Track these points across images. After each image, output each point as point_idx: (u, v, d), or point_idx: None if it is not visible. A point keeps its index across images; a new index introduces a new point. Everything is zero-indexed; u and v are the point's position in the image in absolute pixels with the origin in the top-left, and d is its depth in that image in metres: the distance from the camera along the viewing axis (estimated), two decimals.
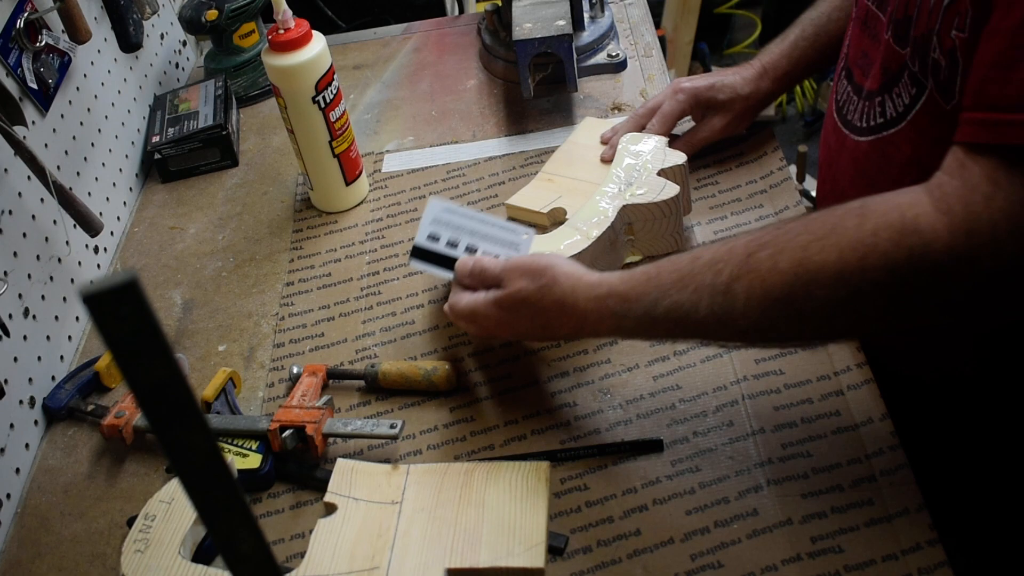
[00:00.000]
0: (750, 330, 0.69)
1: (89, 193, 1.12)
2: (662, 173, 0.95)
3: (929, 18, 0.73)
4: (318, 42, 1.04)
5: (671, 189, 0.93)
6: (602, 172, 1.04)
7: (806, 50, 1.02)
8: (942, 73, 0.72)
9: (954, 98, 0.72)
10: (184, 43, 1.50)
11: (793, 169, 2.32)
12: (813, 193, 2.48)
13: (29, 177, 0.98)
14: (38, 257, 0.99)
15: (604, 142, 1.07)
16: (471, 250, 0.87)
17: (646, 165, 0.96)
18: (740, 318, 0.68)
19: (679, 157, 0.97)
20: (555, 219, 1.00)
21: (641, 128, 1.05)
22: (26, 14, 1.00)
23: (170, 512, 0.79)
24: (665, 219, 0.94)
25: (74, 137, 1.10)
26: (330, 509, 0.79)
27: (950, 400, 0.90)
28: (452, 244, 0.88)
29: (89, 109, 1.15)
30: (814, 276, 0.65)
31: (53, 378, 0.98)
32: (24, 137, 0.94)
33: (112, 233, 1.17)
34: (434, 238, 0.88)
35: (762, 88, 1.03)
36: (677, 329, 0.73)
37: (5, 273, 0.92)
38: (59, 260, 1.03)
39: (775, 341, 0.77)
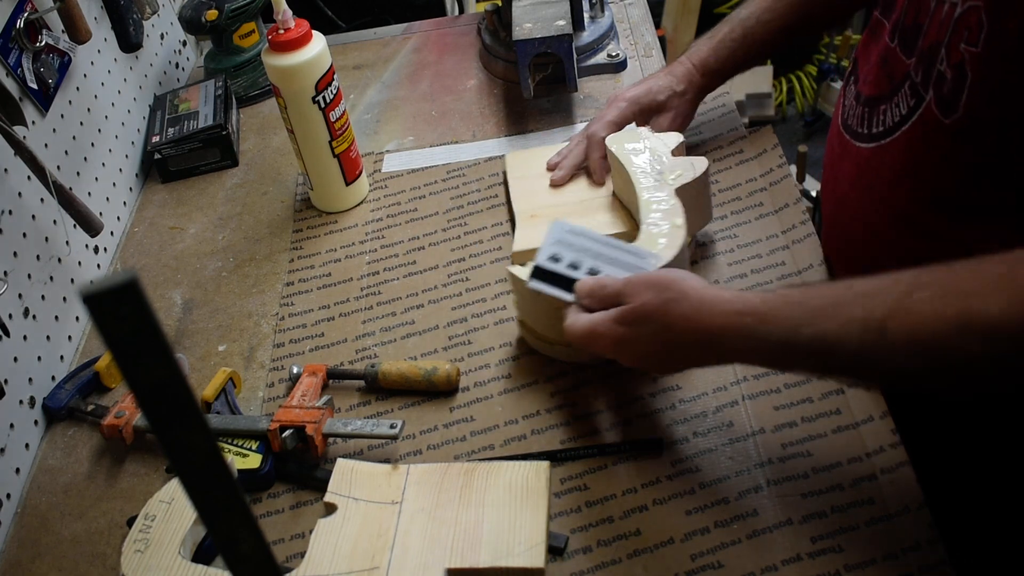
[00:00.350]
0: (898, 374, 0.64)
1: (89, 193, 1.12)
2: (675, 152, 0.96)
3: (939, 30, 0.72)
4: (318, 42, 1.04)
5: (700, 161, 0.94)
6: (576, 189, 1.05)
7: (734, 50, 1.03)
8: (946, 86, 0.71)
9: (956, 112, 0.71)
10: (184, 43, 1.50)
11: (793, 169, 2.33)
12: (813, 193, 2.50)
13: (29, 177, 0.98)
14: (38, 257, 0.99)
15: (551, 167, 1.07)
16: (593, 272, 0.83)
17: (656, 152, 0.97)
18: (890, 360, 0.62)
19: (676, 137, 0.99)
20: None
21: (593, 145, 1.05)
22: (26, 14, 1.00)
23: (170, 512, 0.79)
24: (705, 191, 0.95)
25: (74, 137, 1.10)
26: (330, 509, 0.79)
27: (950, 398, 0.90)
28: (574, 266, 0.84)
29: (89, 109, 1.15)
30: (978, 328, 0.58)
31: (53, 378, 0.98)
32: (24, 137, 0.94)
33: (112, 233, 1.17)
34: (555, 259, 0.85)
35: (695, 83, 1.04)
36: (817, 361, 0.67)
37: (5, 273, 0.92)
38: (59, 260, 1.03)
39: (922, 386, 0.71)
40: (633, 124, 1.03)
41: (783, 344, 0.66)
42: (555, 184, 1.06)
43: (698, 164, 0.94)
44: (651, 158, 0.96)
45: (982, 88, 0.69)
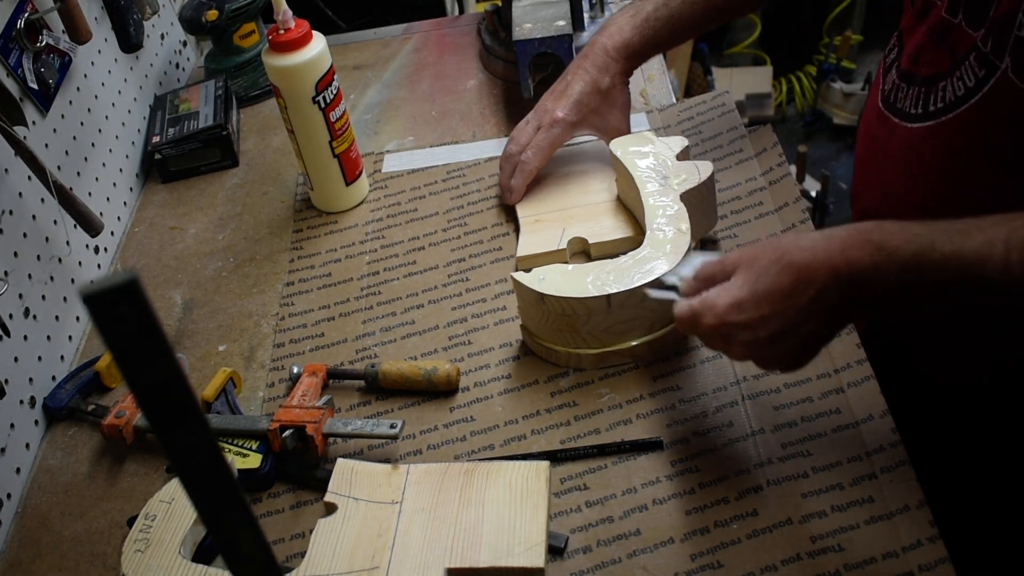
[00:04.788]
0: None
1: (89, 193, 1.12)
2: (680, 156, 0.96)
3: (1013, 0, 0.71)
4: (318, 42, 1.04)
5: (705, 166, 0.93)
6: (579, 194, 1.05)
7: (658, 30, 1.01)
8: None
9: None
10: (184, 43, 1.50)
11: (793, 169, 2.34)
12: (813, 193, 2.49)
13: (30, 177, 0.98)
14: (39, 257, 0.99)
15: (502, 186, 1.07)
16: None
17: (660, 156, 0.96)
18: None
19: (681, 141, 0.98)
20: (576, 250, 1.00)
21: (515, 166, 1.04)
22: (27, 14, 1.00)
23: (170, 512, 0.79)
24: (710, 195, 0.95)
25: (74, 137, 1.10)
26: (330, 509, 0.79)
27: (951, 395, 0.90)
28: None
29: (89, 109, 1.15)
30: None
31: (53, 378, 0.98)
32: (24, 137, 0.94)
33: (112, 233, 1.17)
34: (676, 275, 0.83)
35: (619, 70, 1.02)
36: (951, 282, 0.61)
37: (6, 273, 0.92)
38: (59, 260, 1.03)
39: None
40: (646, 130, 1.03)
41: (913, 261, 0.61)
42: (511, 203, 1.06)
43: (703, 168, 0.93)
44: (656, 163, 0.96)
45: None
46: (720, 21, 1.05)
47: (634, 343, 0.87)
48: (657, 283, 0.83)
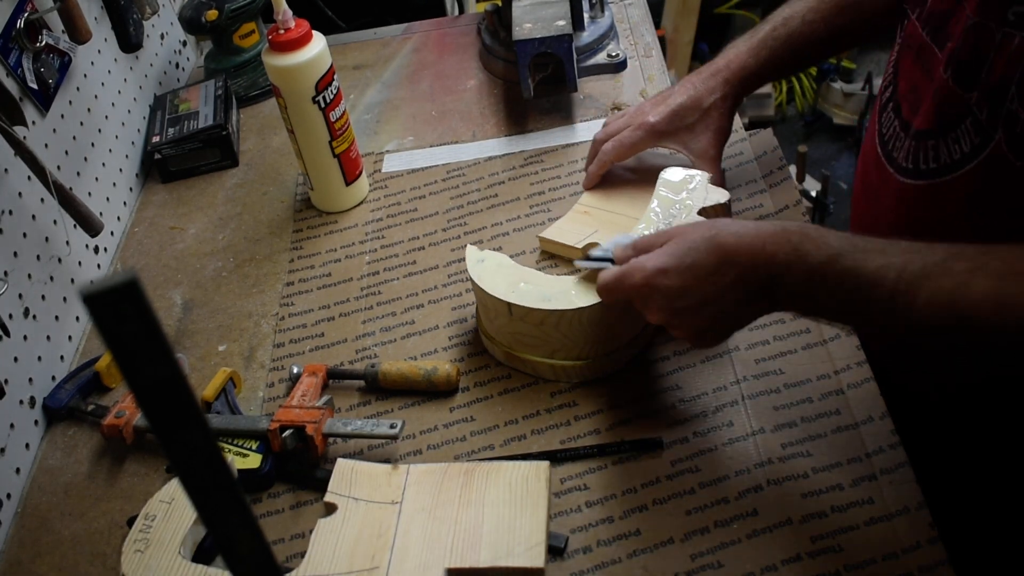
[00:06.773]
0: (925, 333, 0.64)
1: (89, 193, 1.12)
2: (703, 212, 0.91)
3: (1008, 65, 0.68)
4: (318, 42, 1.04)
5: None
6: (639, 203, 1.00)
7: (775, 49, 0.97)
8: (1019, 126, 0.68)
9: None
10: (184, 43, 1.50)
11: (793, 169, 2.34)
12: (813, 193, 2.49)
13: (29, 177, 0.98)
14: (38, 257, 0.99)
15: (587, 170, 1.07)
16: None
17: (685, 202, 0.92)
18: (913, 316, 0.62)
19: (722, 195, 0.93)
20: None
21: (595, 153, 1.04)
22: (26, 14, 1.00)
23: (170, 512, 0.79)
24: None
25: (74, 137, 1.10)
26: (330, 509, 0.79)
27: (950, 396, 0.90)
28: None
29: (89, 109, 1.15)
30: (1002, 311, 0.59)
31: (53, 378, 0.98)
32: (24, 137, 0.94)
33: (112, 233, 1.17)
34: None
35: (730, 92, 0.98)
36: (847, 296, 0.65)
37: (5, 273, 0.92)
38: (59, 260, 1.03)
39: (948, 351, 0.71)
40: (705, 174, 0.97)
41: (821, 268, 0.66)
42: (585, 187, 1.06)
43: None
44: (675, 203, 0.92)
45: None
46: (848, 44, 1.01)
47: (535, 359, 0.88)
48: (588, 256, 0.84)
